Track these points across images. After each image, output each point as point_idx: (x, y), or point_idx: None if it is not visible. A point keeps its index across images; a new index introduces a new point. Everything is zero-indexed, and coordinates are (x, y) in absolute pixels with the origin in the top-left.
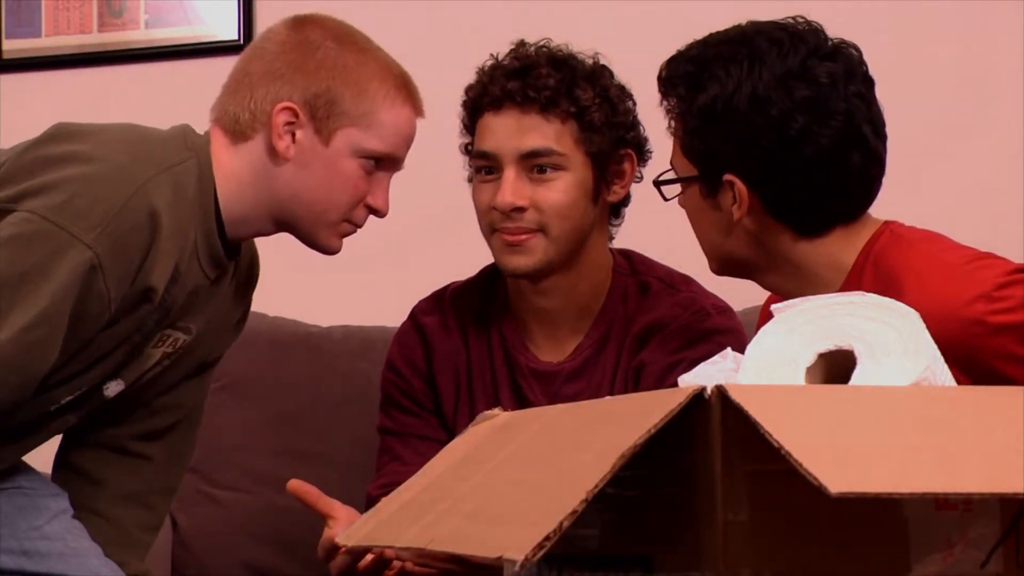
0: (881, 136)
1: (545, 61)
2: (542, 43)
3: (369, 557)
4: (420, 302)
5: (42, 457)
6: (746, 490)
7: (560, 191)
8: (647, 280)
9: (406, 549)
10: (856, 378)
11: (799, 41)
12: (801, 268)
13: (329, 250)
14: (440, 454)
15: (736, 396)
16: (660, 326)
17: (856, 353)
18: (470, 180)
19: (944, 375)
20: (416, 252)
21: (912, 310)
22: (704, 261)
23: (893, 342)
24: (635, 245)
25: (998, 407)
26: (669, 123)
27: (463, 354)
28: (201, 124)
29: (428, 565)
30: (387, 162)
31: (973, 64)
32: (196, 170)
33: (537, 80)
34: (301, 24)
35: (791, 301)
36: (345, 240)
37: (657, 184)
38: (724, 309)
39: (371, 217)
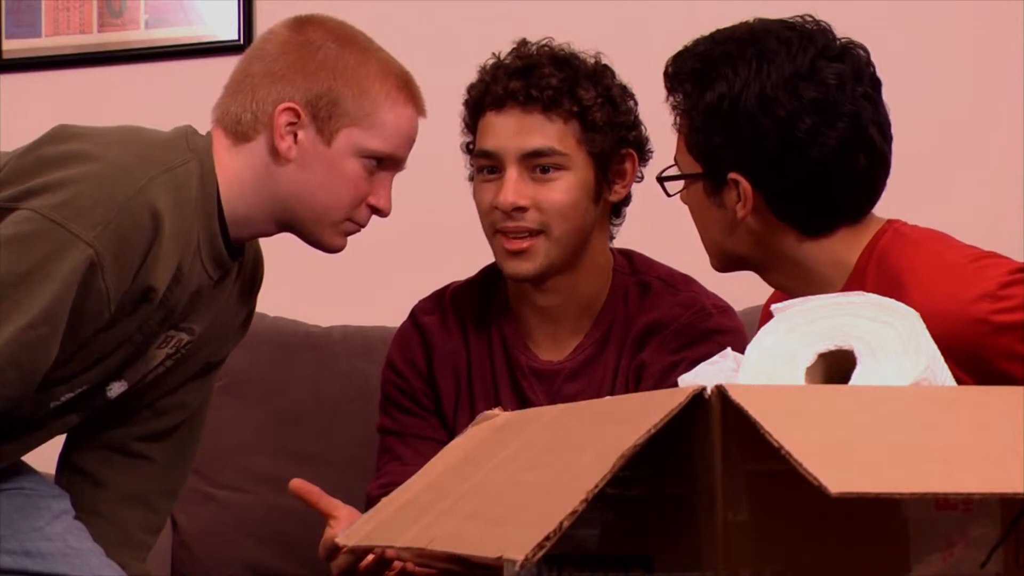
0: (887, 137)
1: (547, 60)
2: (544, 42)
3: (370, 557)
4: (420, 302)
5: (44, 458)
6: (746, 490)
7: (562, 191)
8: (648, 280)
9: (406, 549)
10: (856, 378)
11: (808, 41)
12: (804, 267)
13: (333, 248)
14: (440, 454)
15: (736, 396)
16: (661, 326)
17: (856, 353)
18: (471, 179)
19: (944, 375)
20: (416, 252)
21: (912, 310)
22: (704, 261)
23: (893, 342)
24: (635, 245)
25: (998, 407)
26: (675, 119)
27: (463, 353)
28: (201, 124)
29: (428, 565)
30: (389, 162)
31: (979, 64)
32: (198, 171)
33: (540, 80)
34: (302, 25)
35: (791, 301)
36: (346, 240)
37: (660, 180)
38: (725, 309)
39: (373, 217)
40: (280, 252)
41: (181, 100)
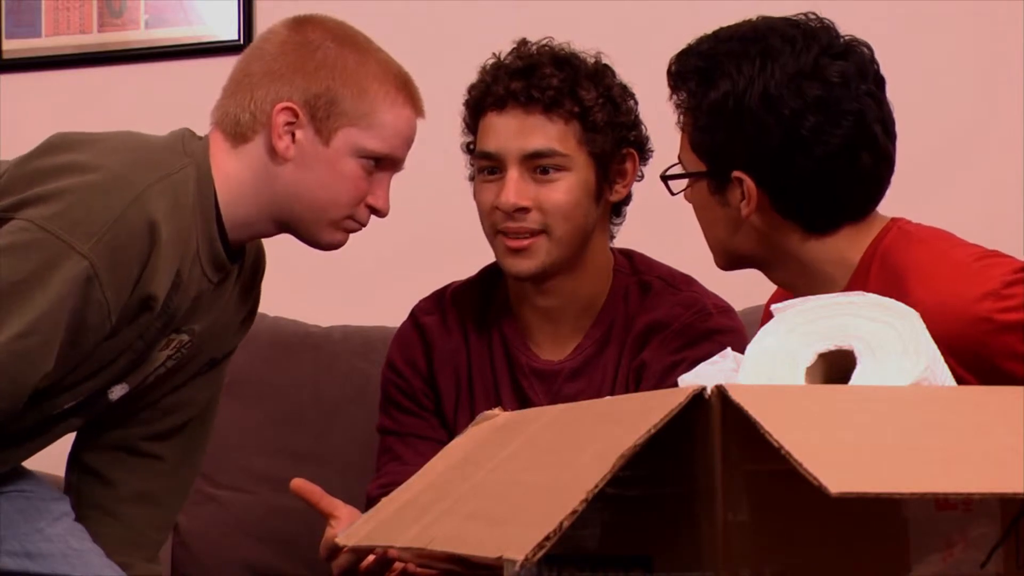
0: (891, 135)
1: (548, 61)
2: (544, 42)
3: (371, 557)
4: (420, 301)
5: (48, 459)
6: (746, 490)
7: (563, 192)
8: (648, 280)
9: (406, 549)
10: (856, 378)
11: (811, 39)
12: (808, 265)
13: (332, 245)
14: (440, 454)
15: (736, 396)
16: (661, 326)
17: (856, 353)
18: (471, 179)
19: (944, 375)
20: (416, 252)
21: (912, 310)
22: (705, 260)
23: (893, 342)
24: (636, 244)
25: (998, 407)
26: (678, 118)
27: (463, 353)
28: (201, 125)
29: (428, 565)
30: (387, 162)
31: (979, 64)
32: (195, 175)
33: (541, 80)
34: (301, 24)
35: (791, 301)
36: (346, 236)
37: (664, 178)
38: (725, 309)
39: (372, 218)
40: (280, 252)
41: (181, 100)
